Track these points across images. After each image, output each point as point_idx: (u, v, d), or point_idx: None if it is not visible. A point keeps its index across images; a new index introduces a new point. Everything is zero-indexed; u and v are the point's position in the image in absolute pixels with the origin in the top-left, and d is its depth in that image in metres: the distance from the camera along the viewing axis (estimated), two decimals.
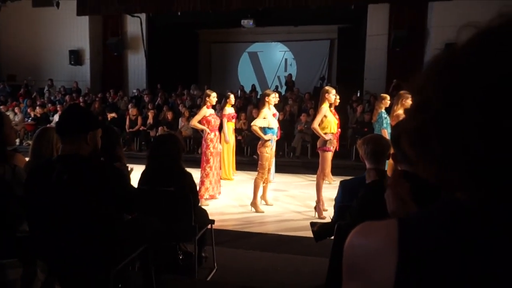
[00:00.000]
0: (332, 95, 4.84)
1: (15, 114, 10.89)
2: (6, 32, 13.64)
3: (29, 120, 10.90)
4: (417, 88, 0.53)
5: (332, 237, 2.51)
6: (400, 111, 4.68)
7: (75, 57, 13.29)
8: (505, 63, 0.44)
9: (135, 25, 13.16)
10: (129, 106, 10.35)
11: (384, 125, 5.19)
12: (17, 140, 10.35)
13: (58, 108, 10.86)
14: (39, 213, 2.04)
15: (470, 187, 0.49)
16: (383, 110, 5.28)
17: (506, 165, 0.45)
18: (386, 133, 4.99)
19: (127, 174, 2.80)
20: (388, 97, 5.38)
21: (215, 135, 5.59)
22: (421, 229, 0.52)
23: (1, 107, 11.12)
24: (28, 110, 11.14)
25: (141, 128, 9.79)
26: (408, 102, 4.58)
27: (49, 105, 11.59)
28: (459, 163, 0.48)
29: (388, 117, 5.13)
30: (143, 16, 12.74)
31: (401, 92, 4.83)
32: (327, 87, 5.05)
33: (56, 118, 10.64)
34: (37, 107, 11.01)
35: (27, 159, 2.76)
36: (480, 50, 0.47)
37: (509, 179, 0.45)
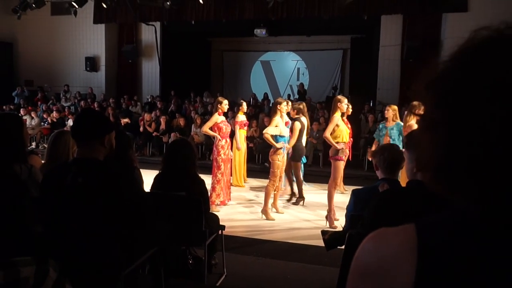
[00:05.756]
0: (344, 104, 4.84)
1: (32, 118, 11.11)
2: (25, 39, 14.03)
3: (45, 124, 11.12)
4: (422, 102, 0.57)
5: (343, 246, 2.48)
6: (412, 121, 4.65)
7: (91, 63, 13.58)
8: (479, 75, 0.48)
9: (149, 33, 13.39)
10: (144, 113, 10.51)
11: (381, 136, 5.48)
12: (33, 144, 10.56)
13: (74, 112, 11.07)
14: (53, 214, 2.07)
15: (473, 196, 0.50)
16: (382, 123, 5.56)
17: (507, 174, 0.46)
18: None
19: (140, 178, 2.83)
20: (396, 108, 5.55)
21: (226, 141, 5.61)
22: (439, 232, 0.53)
23: (20, 110, 11.38)
24: (44, 115, 11.37)
25: (154, 134, 9.91)
26: (420, 112, 4.59)
27: (66, 109, 11.82)
28: (464, 173, 0.49)
29: (383, 129, 5.43)
30: (157, 24, 12.96)
31: (413, 102, 4.79)
32: (339, 96, 5.05)
33: (70, 122, 10.83)
34: (54, 112, 11.23)
35: (43, 161, 2.81)
36: (460, 65, 0.51)
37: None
